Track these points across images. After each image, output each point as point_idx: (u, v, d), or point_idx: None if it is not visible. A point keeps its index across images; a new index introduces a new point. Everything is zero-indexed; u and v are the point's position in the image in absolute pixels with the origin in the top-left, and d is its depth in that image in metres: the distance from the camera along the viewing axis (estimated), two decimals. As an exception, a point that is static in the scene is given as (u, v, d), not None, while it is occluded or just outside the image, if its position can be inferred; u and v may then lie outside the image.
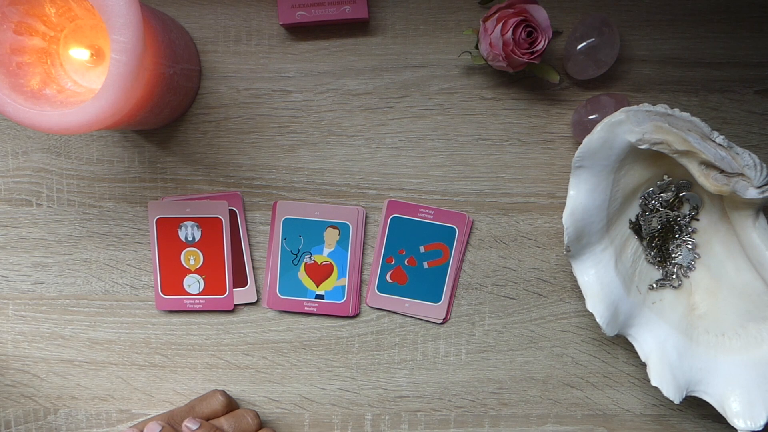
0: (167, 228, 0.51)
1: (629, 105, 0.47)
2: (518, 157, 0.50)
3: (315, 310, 0.51)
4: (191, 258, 0.51)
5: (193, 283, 0.51)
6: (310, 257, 0.50)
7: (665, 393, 0.44)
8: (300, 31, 0.50)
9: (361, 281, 0.51)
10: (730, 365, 0.45)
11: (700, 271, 0.48)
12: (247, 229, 0.51)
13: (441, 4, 0.49)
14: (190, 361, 0.52)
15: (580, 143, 0.47)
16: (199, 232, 0.50)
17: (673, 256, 0.48)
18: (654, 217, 0.47)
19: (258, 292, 0.51)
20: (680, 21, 0.48)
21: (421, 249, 0.50)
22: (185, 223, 0.50)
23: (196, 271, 0.51)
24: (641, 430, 0.51)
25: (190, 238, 0.51)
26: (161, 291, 0.51)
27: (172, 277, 0.51)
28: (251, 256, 0.51)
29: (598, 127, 0.43)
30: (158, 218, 0.50)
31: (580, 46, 0.46)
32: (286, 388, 0.52)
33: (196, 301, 0.51)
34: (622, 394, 0.51)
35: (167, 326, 0.52)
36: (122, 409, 0.52)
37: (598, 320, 0.45)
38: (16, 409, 0.53)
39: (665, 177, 0.46)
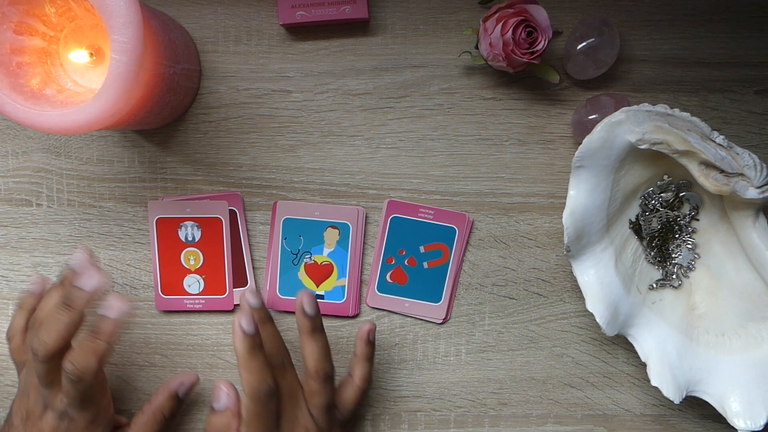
0: (167, 228, 0.51)
1: (629, 105, 0.47)
2: (518, 157, 0.50)
3: (315, 310, 0.51)
4: (191, 258, 0.51)
5: (193, 283, 0.51)
6: (310, 257, 0.50)
7: (665, 393, 0.44)
8: (300, 31, 0.50)
9: (361, 281, 0.51)
10: (730, 365, 0.45)
11: (700, 271, 0.48)
12: (247, 229, 0.51)
13: (441, 4, 0.49)
14: (190, 361, 0.52)
15: (580, 143, 0.47)
16: (199, 232, 0.50)
17: (673, 256, 0.48)
18: (654, 217, 0.47)
19: (258, 292, 0.51)
20: (680, 21, 0.48)
21: (421, 249, 0.50)
22: (185, 223, 0.50)
23: (196, 271, 0.51)
24: (641, 430, 0.51)
25: (190, 238, 0.51)
26: (161, 291, 0.51)
27: (172, 277, 0.51)
28: (251, 256, 0.51)
29: (598, 127, 0.43)
30: (158, 218, 0.50)
31: (580, 46, 0.46)
32: (286, 388, 0.52)
33: (196, 301, 0.51)
34: (622, 394, 0.51)
35: (167, 326, 0.52)
36: (122, 409, 0.52)
37: (598, 320, 0.45)
38: (16, 409, 0.53)
39: (665, 177, 0.46)
